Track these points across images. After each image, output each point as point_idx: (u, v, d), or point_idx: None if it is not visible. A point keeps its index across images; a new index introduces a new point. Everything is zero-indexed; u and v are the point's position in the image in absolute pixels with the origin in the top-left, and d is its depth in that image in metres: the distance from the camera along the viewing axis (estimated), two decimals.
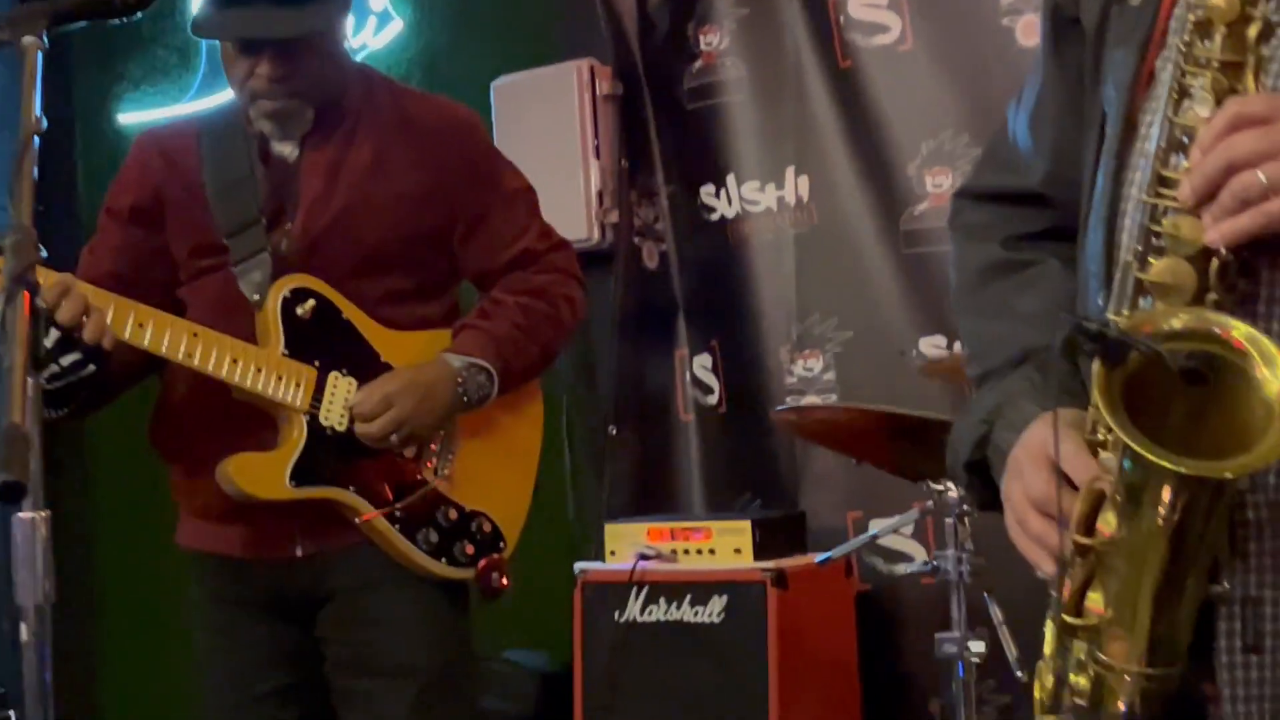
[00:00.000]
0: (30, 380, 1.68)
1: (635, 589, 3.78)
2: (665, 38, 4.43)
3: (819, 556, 3.41)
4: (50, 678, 1.82)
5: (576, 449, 4.52)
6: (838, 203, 4.16)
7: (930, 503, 2.91)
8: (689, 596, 3.73)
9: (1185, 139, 1.32)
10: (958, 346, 3.94)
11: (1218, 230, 1.28)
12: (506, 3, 4.75)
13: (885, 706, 3.80)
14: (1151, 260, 1.33)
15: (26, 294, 1.70)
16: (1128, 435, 1.24)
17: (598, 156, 4.43)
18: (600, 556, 3.96)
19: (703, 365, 4.41)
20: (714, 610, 3.69)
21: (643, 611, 3.78)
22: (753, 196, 4.31)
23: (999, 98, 3.87)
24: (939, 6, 4.00)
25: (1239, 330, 1.26)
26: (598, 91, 4.43)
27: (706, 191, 4.38)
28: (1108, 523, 1.32)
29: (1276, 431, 1.20)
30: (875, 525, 3.79)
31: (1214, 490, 1.26)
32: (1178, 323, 1.28)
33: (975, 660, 2.82)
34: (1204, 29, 1.32)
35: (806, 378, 4.20)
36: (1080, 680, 1.39)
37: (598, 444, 4.48)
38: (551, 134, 4.42)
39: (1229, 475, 1.23)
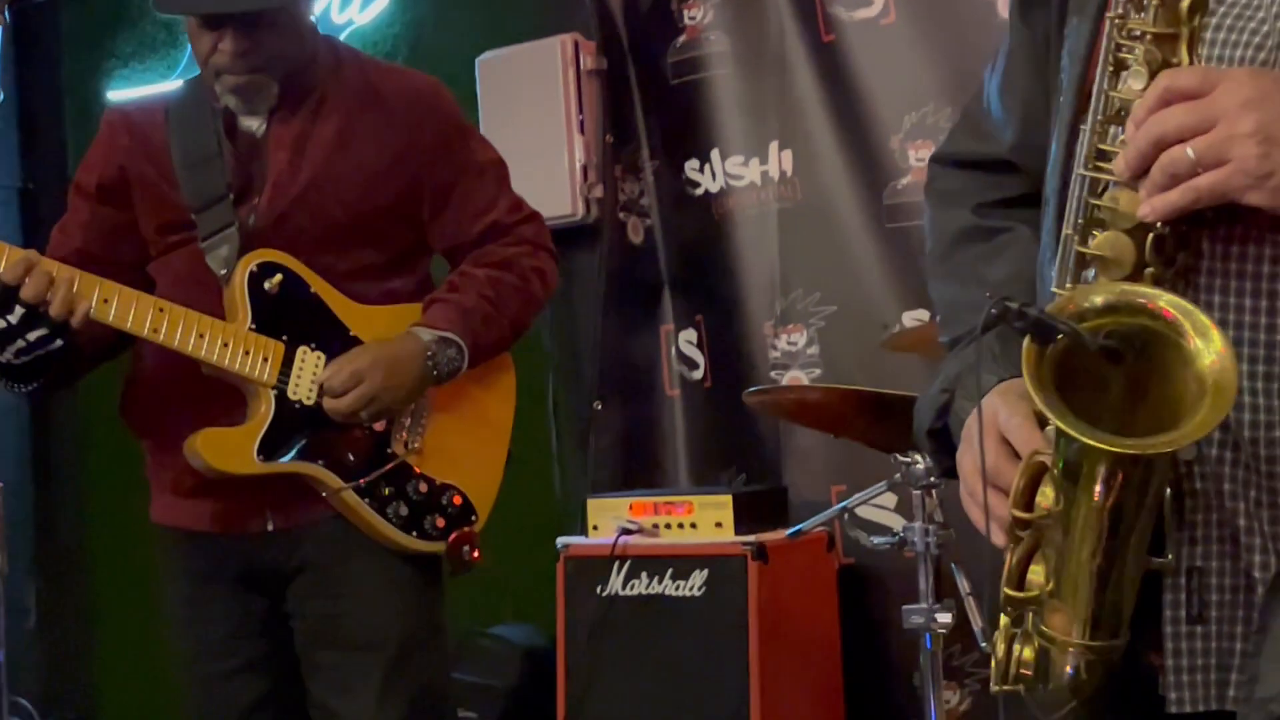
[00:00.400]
0: None
1: (617, 563, 3.79)
2: (649, 12, 4.42)
3: (788, 532, 3.43)
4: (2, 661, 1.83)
5: (562, 424, 4.54)
6: (821, 177, 4.16)
7: (898, 475, 2.91)
8: (670, 570, 3.74)
9: (1122, 112, 1.32)
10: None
11: (1150, 205, 1.28)
12: None
13: (867, 680, 3.81)
14: (1094, 233, 1.34)
15: None
16: (1053, 412, 1.25)
17: (582, 132, 4.43)
18: (584, 531, 3.97)
19: (688, 340, 4.42)
20: (695, 584, 3.70)
21: (625, 585, 3.79)
22: (736, 171, 4.31)
23: (982, 71, 3.87)
24: None
25: (1165, 300, 1.27)
26: (582, 66, 4.43)
27: (691, 166, 4.38)
28: (1046, 496, 1.33)
29: (1207, 406, 1.21)
30: (856, 496, 3.81)
31: (1148, 465, 1.26)
32: (1099, 298, 1.28)
33: (942, 631, 2.83)
34: (1138, 1, 1.32)
35: (790, 352, 4.21)
36: (1026, 652, 1.39)
37: (583, 419, 4.49)
38: (536, 109, 4.43)
39: (1155, 451, 1.23)
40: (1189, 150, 1.25)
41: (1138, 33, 1.32)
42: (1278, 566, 1.29)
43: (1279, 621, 1.29)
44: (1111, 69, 1.34)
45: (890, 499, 3.69)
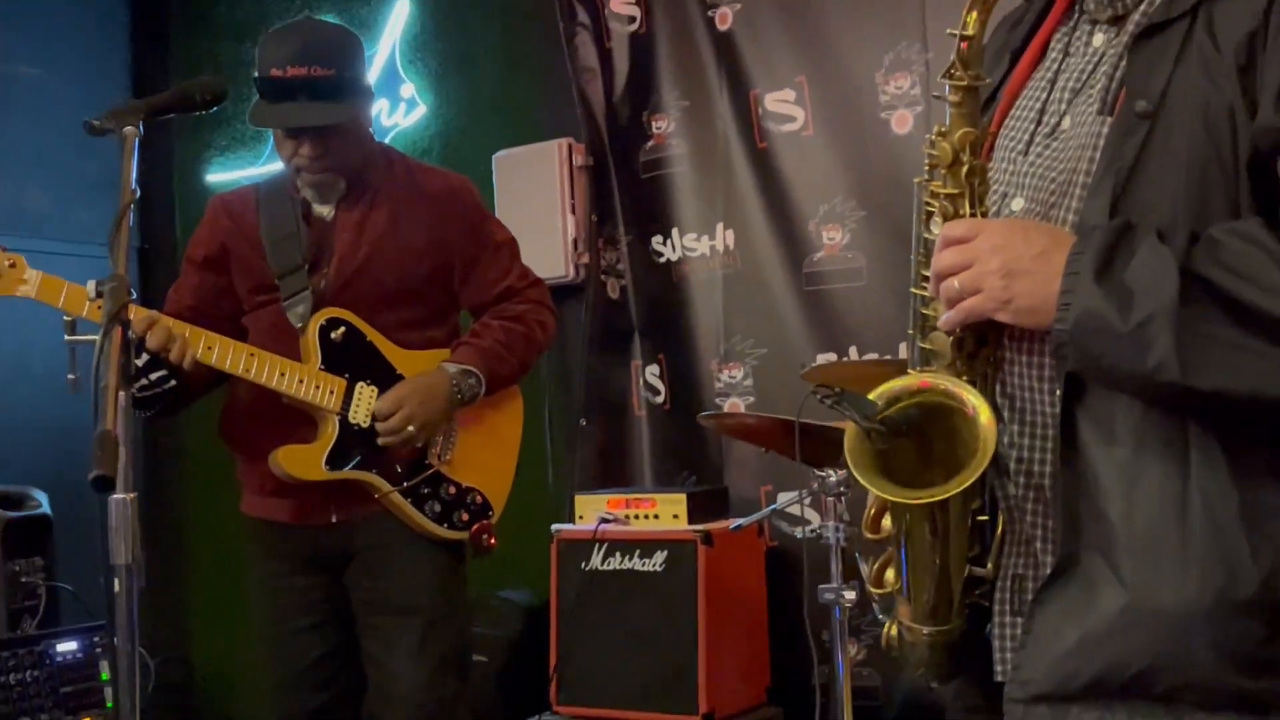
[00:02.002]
0: (122, 395, 1.70)
1: (597, 545, 3.79)
2: (626, 123, 4.41)
3: (733, 524, 3.44)
4: (137, 618, 1.82)
5: (555, 437, 4.52)
6: (755, 250, 4.16)
7: (815, 485, 2.93)
8: (638, 551, 3.74)
9: (930, 247, 1.35)
10: (844, 359, 3.99)
11: (942, 320, 1.32)
12: (506, 94, 4.74)
13: (787, 637, 3.80)
14: (928, 332, 1.37)
15: (120, 329, 1.72)
16: (857, 471, 1.28)
17: (574, 212, 4.42)
18: (571, 519, 3.96)
19: (652, 373, 4.40)
20: (657, 562, 3.70)
21: (603, 562, 3.78)
22: (691, 245, 4.31)
23: (876, 172, 3.93)
24: (832, 103, 4.00)
25: (931, 378, 1.31)
26: (574, 163, 4.43)
27: (657, 240, 4.37)
28: (887, 522, 1.37)
29: (975, 462, 1.23)
30: (782, 497, 3.83)
31: (942, 505, 1.28)
32: (882, 389, 1.32)
33: (849, 605, 2.84)
34: (935, 168, 1.35)
35: (731, 383, 4.21)
36: (893, 630, 1.43)
37: (571, 433, 4.48)
38: (539, 195, 4.41)
39: (931, 500, 1.26)
40: (955, 282, 1.29)
41: (935, 191, 1.35)
42: (1043, 582, 1.30)
43: (1038, 622, 1.30)
44: (924, 217, 1.37)
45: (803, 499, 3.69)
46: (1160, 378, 1.18)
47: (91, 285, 2.25)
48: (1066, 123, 1.36)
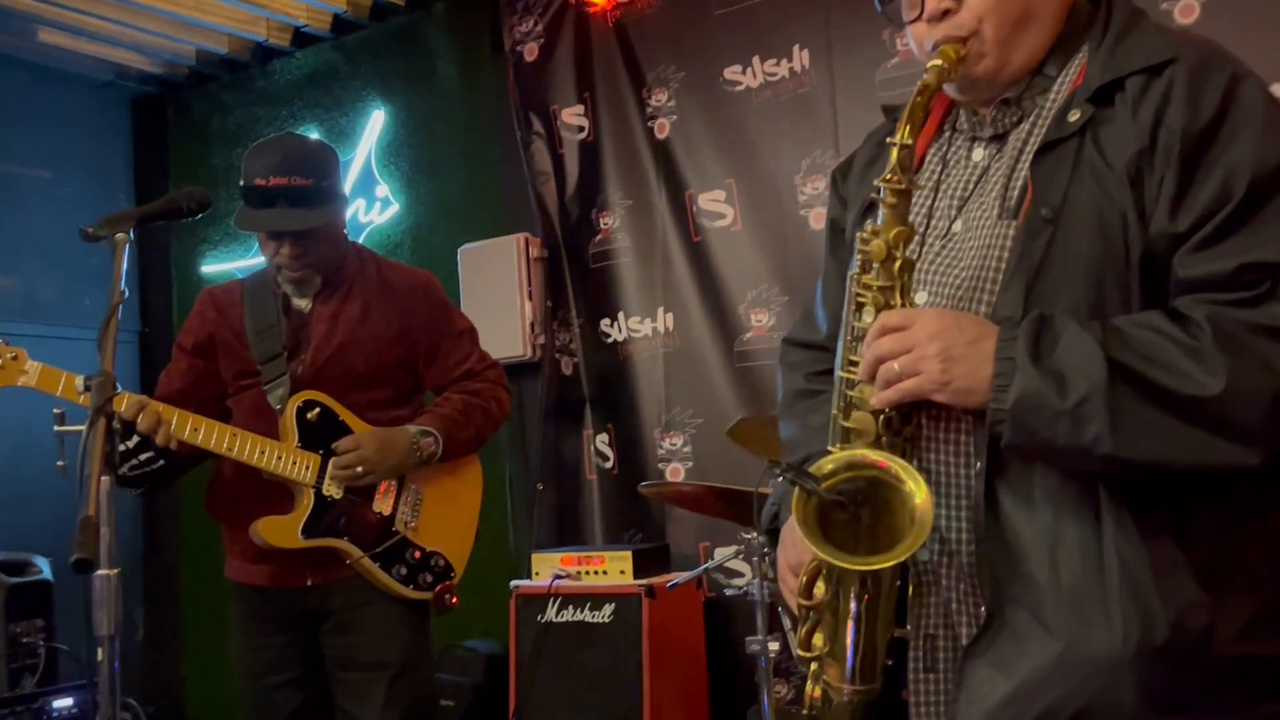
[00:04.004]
0: (106, 480, 1.66)
1: (552, 599, 3.76)
2: (577, 219, 4.45)
3: (669, 582, 3.41)
4: (119, 683, 1.76)
5: (515, 499, 4.49)
6: (692, 332, 4.19)
7: (743, 546, 2.92)
8: (589, 604, 3.72)
9: (862, 336, 1.35)
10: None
11: (876, 399, 1.31)
12: (469, 194, 4.75)
13: (724, 681, 3.78)
14: (852, 413, 1.35)
15: (104, 420, 1.69)
16: (808, 538, 1.26)
17: (531, 299, 4.43)
18: (529, 575, 3.93)
19: (602, 441, 4.40)
20: (606, 613, 3.68)
21: (557, 614, 3.75)
22: (635, 326, 4.33)
23: (796, 262, 3.97)
24: (758, 202, 4.05)
25: (884, 457, 1.29)
26: (531, 255, 4.44)
27: (605, 323, 4.39)
28: (820, 589, 1.35)
29: (913, 534, 1.23)
30: (718, 553, 3.81)
31: (875, 573, 1.28)
32: (829, 464, 1.30)
33: (773, 655, 2.82)
34: (867, 263, 1.35)
35: (672, 450, 4.21)
36: (816, 691, 1.39)
37: (529, 496, 4.46)
38: (500, 283, 4.42)
39: (874, 567, 1.25)
40: (895, 365, 1.29)
41: (868, 284, 1.35)
42: (972, 638, 1.30)
43: (970, 677, 1.29)
44: (854, 307, 1.37)
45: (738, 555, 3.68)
46: (1096, 451, 1.19)
47: (80, 380, 2.21)
48: (959, 226, 1.38)
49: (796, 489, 1.27)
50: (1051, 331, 1.22)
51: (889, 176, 1.33)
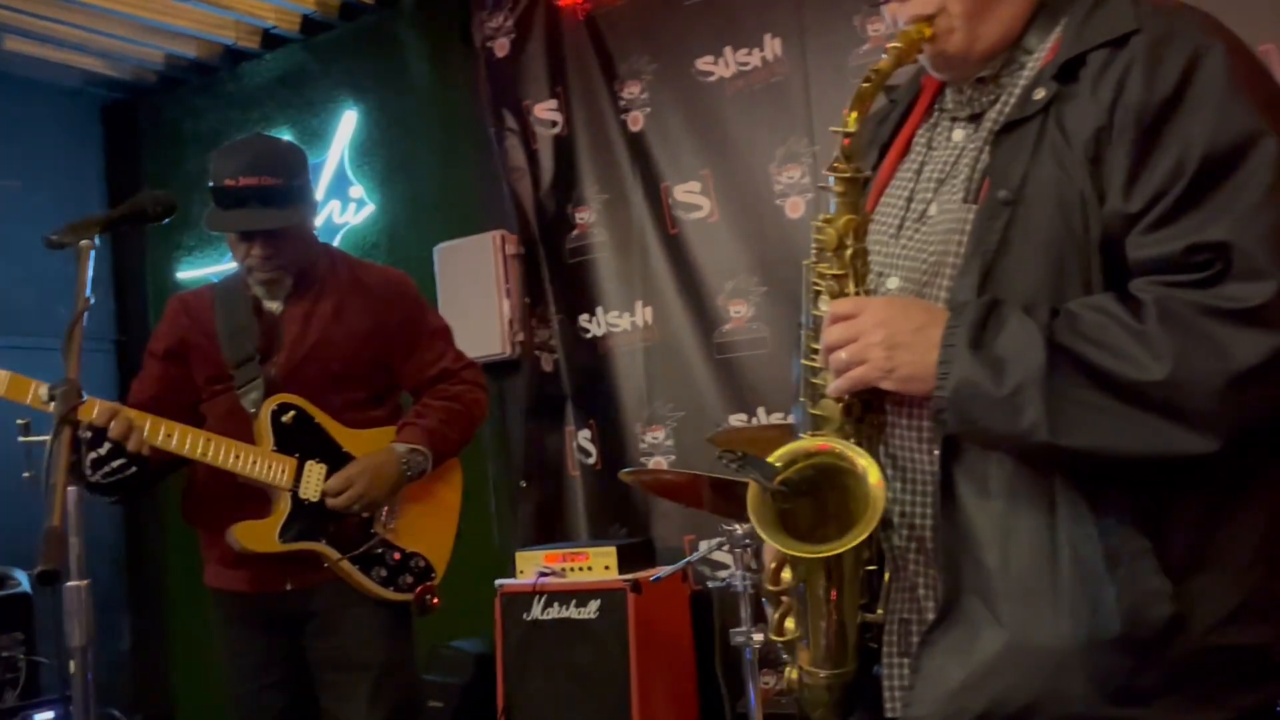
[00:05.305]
0: (72, 490, 1.64)
1: (537, 596, 3.75)
2: (553, 215, 4.44)
3: (653, 576, 3.41)
4: (93, 693, 1.74)
5: (498, 498, 4.47)
6: (671, 325, 4.18)
7: (726, 538, 2.91)
8: (574, 600, 3.70)
9: (819, 322, 1.34)
10: (754, 420, 3.99)
11: (831, 388, 1.31)
12: (444, 192, 4.73)
13: (709, 673, 3.78)
14: (818, 399, 1.34)
15: (69, 429, 1.67)
16: (760, 528, 1.26)
17: (509, 296, 4.42)
18: (514, 574, 3.91)
19: (585, 437, 4.39)
20: (591, 609, 3.67)
21: (543, 611, 3.74)
22: (614, 321, 4.32)
23: (774, 252, 3.96)
24: (734, 193, 4.04)
25: (827, 441, 1.29)
26: (508, 252, 4.43)
27: (583, 318, 4.38)
28: (786, 574, 1.35)
29: (866, 518, 1.22)
30: (703, 545, 3.79)
31: (837, 558, 1.27)
32: (777, 457, 1.29)
33: (757, 646, 2.81)
34: (821, 252, 1.34)
35: (654, 444, 4.21)
36: (792, 674, 1.39)
37: (513, 494, 4.44)
38: (477, 281, 4.41)
39: (824, 555, 1.24)
40: (843, 354, 1.28)
41: (822, 272, 1.34)
42: (929, 626, 1.29)
43: (926, 663, 1.29)
44: (812, 296, 1.36)
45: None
46: (1032, 438, 1.17)
47: (45, 389, 2.18)
48: (934, 209, 1.37)
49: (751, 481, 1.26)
50: (998, 317, 1.21)
51: (836, 165, 1.32)
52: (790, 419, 1.61)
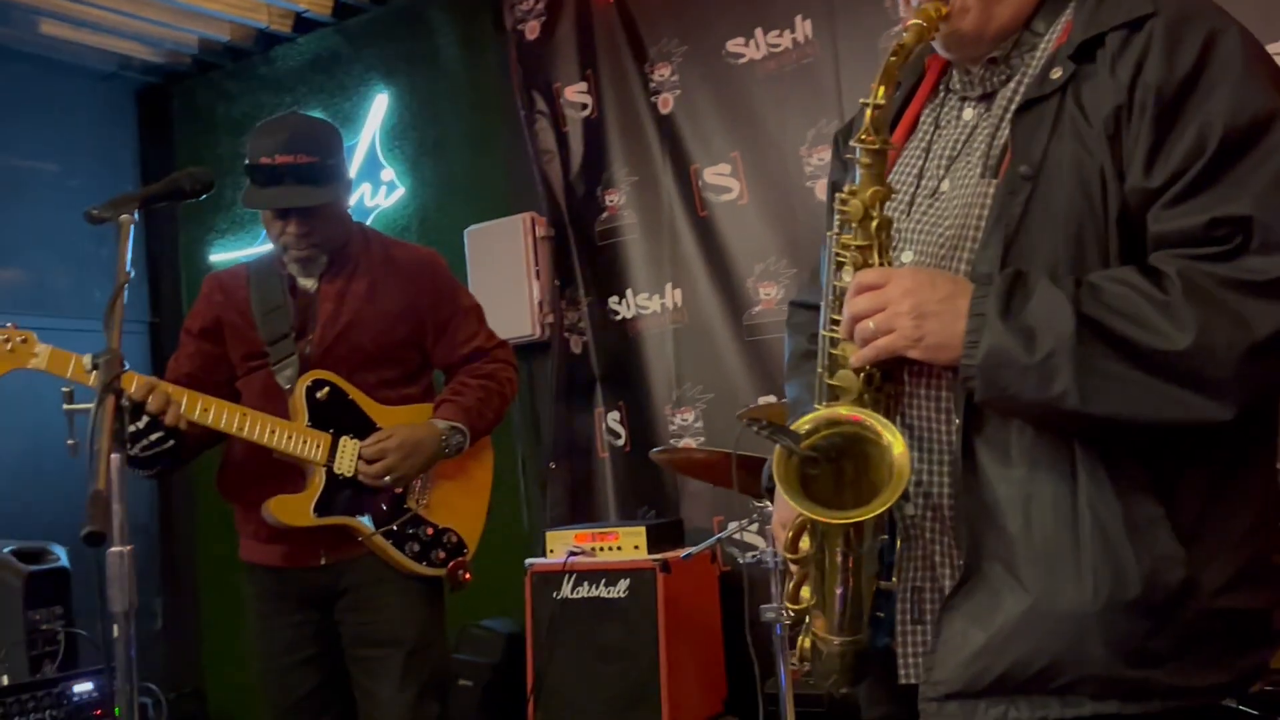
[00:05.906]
0: (116, 457, 1.67)
1: (567, 576, 3.77)
2: (583, 197, 4.45)
3: (683, 554, 3.42)
4: (135, 659, 1.77)
5: (528, 479, 4.50)
6: (701, 307, 4.19)
7: (756, 515, 2.91)
8: (604, 580, 3.72)
9: (842, 294, 1.35)
10: (783, 403, 3.99)
11: (855, 357, 1.32)
12: (475, 175, 4.75)
13: (738, 652, 3.79)
14: (837, 370, 1.36)
15: (113, 398, 1.69)
16: (787, 494, 1.26)
17: (538, 278, 4.44)
18: (544, 553, 3.94)
19: (614, 419, 4.40)
20: (621, 589, 3.68)
21: (572, 591, 3.76)
22: (644, 303, 4.33)
23: (804, 234, 3.96)
24: (764, 175, 4.04)
25: (859, 412, 1.30)
26: (537, 234, 4.45)
27: (613, 300, 4.40)
28: (805, 543, 1.36)
29: (891, 486, 1.23)
30: (731, 526, 3.81)
31: (858, 525, 1.28)
32: (806, 423, 1.30)
33: (788, 622, 2.81)
34: (846, 223, 1.36)
35: (683, 425, 4.22)
36: (805, 643, 1.41)
37: (542, 475, 4.46)
38: (507, 263, 4.43)
39: (853, 520, 1.25)
40: (870, 323, 1.29)
41: (846, 243, 1.36)
42: (950, 591, 1.31)
43: (946, 629, 1.31)
44: (834, 267, 1.37)
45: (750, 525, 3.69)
46: (1063, 405, 1.20)
47: (88, 358, 2.21)
48: (946, 185, 1.40)
49: (776, 446, 1.27)
50: (1025, 287, 1.23)
51: (863, 136, 1.33)
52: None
